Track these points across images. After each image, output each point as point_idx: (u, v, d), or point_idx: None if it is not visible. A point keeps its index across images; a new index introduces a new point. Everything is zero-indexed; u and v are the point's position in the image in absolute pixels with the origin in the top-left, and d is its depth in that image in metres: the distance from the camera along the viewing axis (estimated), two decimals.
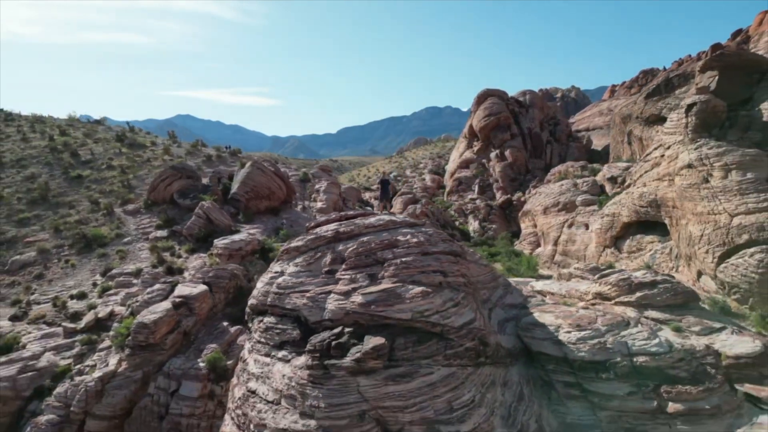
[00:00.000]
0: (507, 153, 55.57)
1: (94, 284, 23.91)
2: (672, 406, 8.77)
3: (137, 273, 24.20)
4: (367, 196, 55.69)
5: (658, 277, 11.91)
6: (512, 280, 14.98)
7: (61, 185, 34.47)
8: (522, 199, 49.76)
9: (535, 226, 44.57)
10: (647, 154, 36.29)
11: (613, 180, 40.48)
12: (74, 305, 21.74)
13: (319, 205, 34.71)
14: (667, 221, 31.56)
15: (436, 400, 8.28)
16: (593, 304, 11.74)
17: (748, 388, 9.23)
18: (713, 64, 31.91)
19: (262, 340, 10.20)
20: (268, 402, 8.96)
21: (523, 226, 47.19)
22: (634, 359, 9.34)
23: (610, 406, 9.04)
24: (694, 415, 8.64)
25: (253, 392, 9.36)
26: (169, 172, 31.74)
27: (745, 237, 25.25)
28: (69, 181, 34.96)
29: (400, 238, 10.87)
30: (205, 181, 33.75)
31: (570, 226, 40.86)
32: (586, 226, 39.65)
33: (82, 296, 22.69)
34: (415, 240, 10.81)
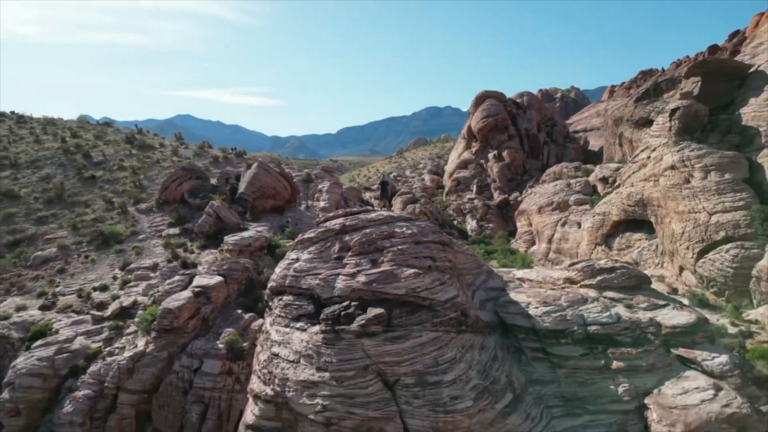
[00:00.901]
0: (505, 154, 57.82)
1: (114, 277, 26.23)
2: (616, 364, 11.08)
3: (154, 267, 26.54)
4: (367, 195, 58.03)
5: (617, 264, 14.21)
6: (499, 270, 17.26)
7: (76, 185, 36.82)
8: (518, 199, 52.09)
9: (530, 225, 46.92)
10: (635, 156, 38.70)
11: (604, 180, 42.87)
12: (98, 296, 24.06)
13: (321, 204, 37.08)
14: (652, 219, 34.06)
15: (424, 357, 10.61)
16: (563, 288, 14.03)
17: (681, 351, 11.52)
18: (696, 71, 34.39)
19: (282, 314, 12.54)
20: (290, 361, 11.29)
21: (519, 225, 49.53)
22: (588, 328, 11.66)
23: (567, 365, 11.37)
24: (633, 371, 10.95)
25: (276, 355, 11.69)
26: (179, 173, 34.09)
27: (722, 234, 27.79)
28: (83, 181, 37.31)
29: (397, 230, 13.21)
30: (213, 181, 36.11)
31: (563, 224, 43.28)
32: (579, 225, 42.05)
33: (104, 288, 25.01)
34: (409, 231, 13.15)
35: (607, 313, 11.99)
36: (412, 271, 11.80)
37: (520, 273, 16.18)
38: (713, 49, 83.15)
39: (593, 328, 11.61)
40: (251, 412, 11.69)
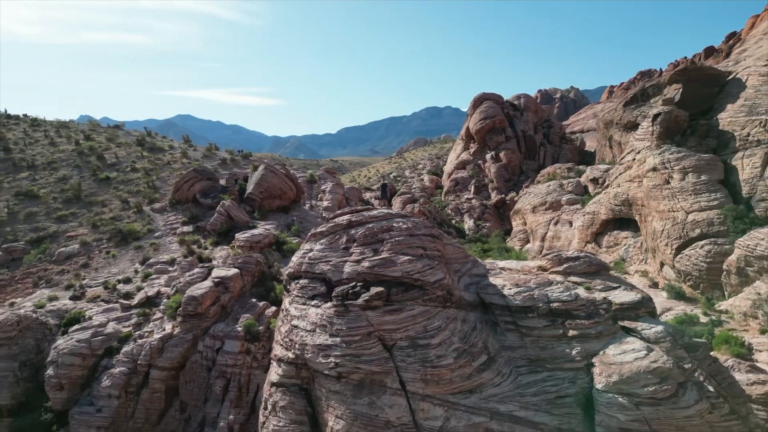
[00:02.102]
0: (502, 155, 60.85)
1: (136, 271, 29.26)
2: (571, 332, 14.01)
3: (171, 262, 29.57)
4: (367, 195, 61.05)
5: (581, 254, 17.15)
6: (485, 261, 20.18)
7: (92, 186, 39.86)
8: (514, 198, 55.06)
9: (525, 223, 49.96)
10: (622, 158, 41.80)
11: (595, 181, 45.93)
12: (123, 287, 27.11)
13: (325, 204, 40.08)
14: (637, 218, 37.18)
15: (416, 325, 13.59)
16: (535, 274, 16.96)
17: (625, 323, 14.47)
18: (678, 78, 37.49)
19: (299, 294, 15.53)
20: (307, 331, 14.28)
21: (514, 224, 52.54)
22: (551, 305, 14.60)
23: (533, 334, 14.31)
24: (584, 338, 13.88)
25: (296, 326, 14.68)
26: (191, 174, 37.12)
27: (698, 231, 30.95)
28: (98, 182, 40.34)
29: (395, 225, 16.19)
30: (222, 182, 39.11)
31: (556, 223, 46.36)
32: (570, 224, 45.12)
33: (127, 280, 28.05)
34: (405, 226, 16.14)
35: (567, 293, 14.94)
36: (406, 258, 14.79)
37: (502, 263, 19.15)
38: (709, 50, 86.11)
39: (555, 304, 14.56)
40: (275, 373, 14.68)
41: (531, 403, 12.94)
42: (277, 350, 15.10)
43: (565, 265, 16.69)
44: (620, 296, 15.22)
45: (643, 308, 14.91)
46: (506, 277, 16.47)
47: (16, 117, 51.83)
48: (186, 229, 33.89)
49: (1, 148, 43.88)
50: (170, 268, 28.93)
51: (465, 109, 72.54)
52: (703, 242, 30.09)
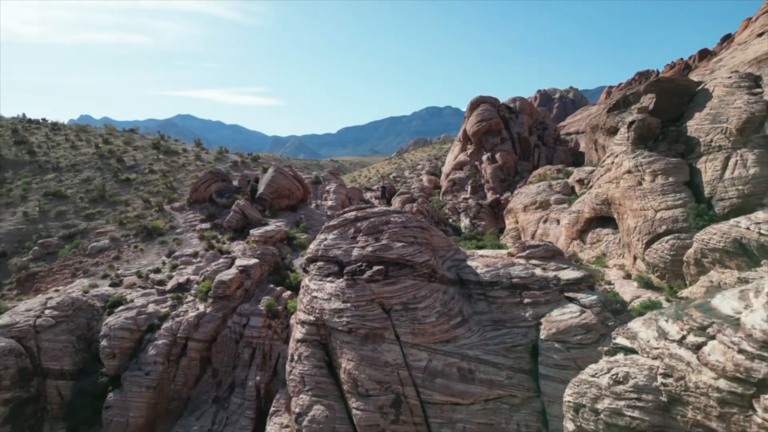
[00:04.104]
0: (497, 156, 66.10)
1: (163, 262, 34.51)
2: (526, 300, 19.21)
3: (195, 255, 34.82)
4: (368, 195, 66.32)
5: (541, 243, 22.34)
6: (470, 251, 25.38)
7: (114, 186, 45.13)
8: (508, 198, 60.29)
9: (516, 222, 55.26)
10: (603, 160, 47.01)
11: (581, 182, 51.21)
12: (155, 276, 32.35)
13: (329, 203, 45.32)
14: (615, 216, 42.56)
15: (407, 294, 18.82)
16: (503, 259, 22.16)
17: (570, 294, 19.65)
18: (651, 89, 42.71)
19: (317, 273, 20.77)
20: (324, 299, 19.51)
21: (507, 222, 57.85)
22: (513, 280, 19.81)
23: (497, 302, 19.54)
24: (536, 304, 19.07)
25: (315, 297, 19.92)
26: (208, 176, 42.40)
27: (664, 227, 36.34)
28: (119, 183, 45.61)
29: (392, 219, 21.42)
30: (234, 183, 44.34)
31: (545, 221, 51.69)
32: (558, 222, 50.40)
33: (157, 270, 33.28)
34: (400, 220, 21.38)
35: (526, 272, 20.17)
36: (401, 244, 20.04)
37: (481, 252, 24.39)
38: (704, 52, 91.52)
39: (515, 280, 19.81)
40: (299, 332, 19.94)
41: (492, 350, 18.18)
42: (300, 315, 20.35)
43: (527, 251, 21.91)
44: (567, 274, 20.42)
45: (584, 283, 20.10)
46: (480, 261, 21.72)
47: (36, 121, 57.17)
48: (204, 225, 39.14)
49: (27, 151, 49.17)
50: (194, 260, 34.18)
51: (465, 109, 77.68)
52: (668, 237, 35.31)
